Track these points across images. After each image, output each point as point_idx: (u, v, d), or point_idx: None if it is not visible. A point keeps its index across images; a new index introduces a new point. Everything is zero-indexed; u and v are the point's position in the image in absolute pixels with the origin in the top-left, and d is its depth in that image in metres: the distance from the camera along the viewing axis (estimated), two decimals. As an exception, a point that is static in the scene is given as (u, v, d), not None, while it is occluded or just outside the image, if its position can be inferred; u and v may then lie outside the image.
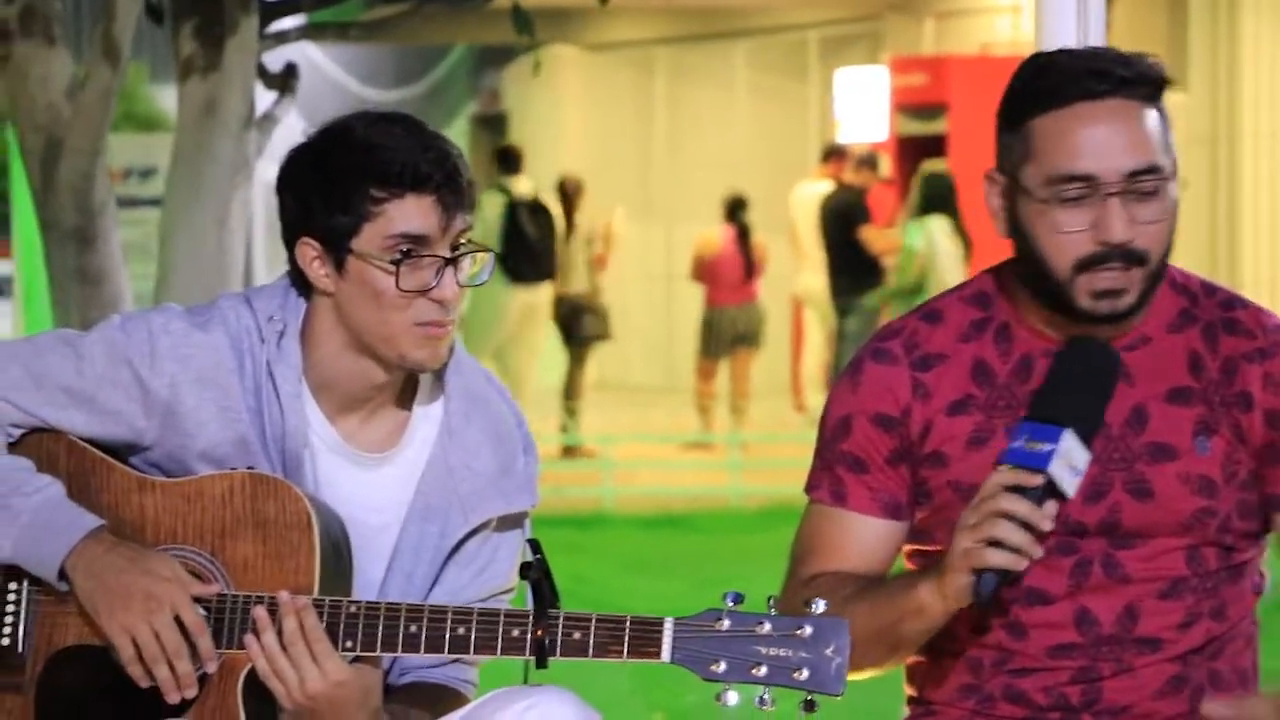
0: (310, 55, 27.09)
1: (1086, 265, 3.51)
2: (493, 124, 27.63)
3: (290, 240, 3.66)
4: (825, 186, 17.98)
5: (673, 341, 20.72)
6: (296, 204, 3.66)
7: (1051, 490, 3.41)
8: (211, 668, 3.52)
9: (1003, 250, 3.67)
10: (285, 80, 7.87)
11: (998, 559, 3.39)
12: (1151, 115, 3.53)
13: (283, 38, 7.73)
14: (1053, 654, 3.58)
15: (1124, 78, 3.53)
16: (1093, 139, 3.52)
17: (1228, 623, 3.63)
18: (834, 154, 18.49)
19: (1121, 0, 19.69)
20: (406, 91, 28.35)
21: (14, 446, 3.65)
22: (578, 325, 18.22)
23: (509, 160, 17.72)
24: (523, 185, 17.54)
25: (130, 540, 3.58)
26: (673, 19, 24.07)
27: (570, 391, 18.34)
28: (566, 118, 25.99)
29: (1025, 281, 3.59)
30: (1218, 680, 3.60)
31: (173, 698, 3.51)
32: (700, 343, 18.60)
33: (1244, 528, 3.62)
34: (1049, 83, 3.55)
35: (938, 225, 16.14)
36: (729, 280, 18.33)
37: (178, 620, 3.51)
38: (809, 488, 3.73)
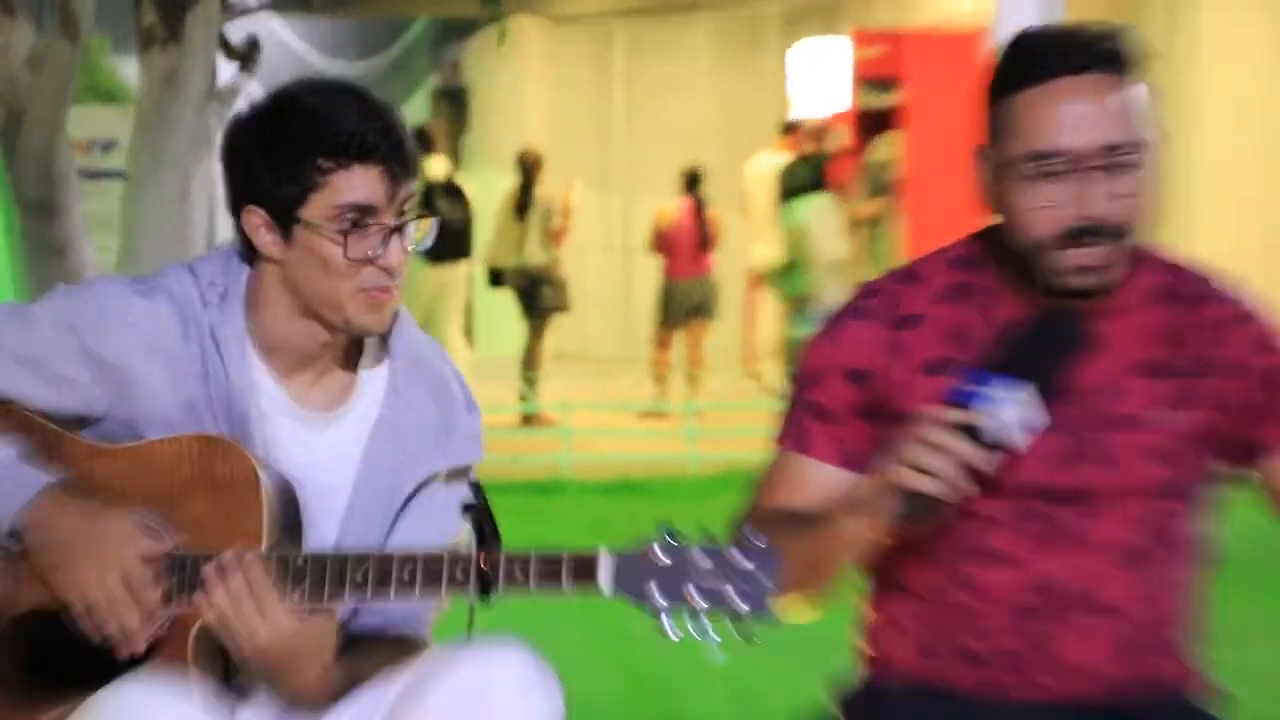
0: (273, 28, 26.99)
1: (1069, 239, 3.52)
2: (454, 96, 27.53)
3: (236, 207, 3.67)
4: (782, 159, 17.95)
5: (631, 313, 20.72)
6: (243, 172, 3.67)
7: (1002, 441, 3.43)
8: (160, 623, 3.55)
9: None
10: (247, 52, 7.91)
11: (926, 485, 3.41)
12: (1132, 89, 3.53)
13: (245, 10, 7.77)
14: (1013, 616, 3.61)
15: (1103, 53, 3.54)
16: (1073, 114, 3.52)
17: (1184, 590, 3.67)
18: (793, 129, 18.44)
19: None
20: (369, 64, 28.25)
21: None
22: (537, 297, 18.17)
23: (423, 141, 17.25)
24: (437, 167, 17.43)
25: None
26: (633, -9, 24.06)
27: (529, 361, 18.30)
28: (527, 90, 25.90)
29: (1011, 252, 3.61)
30: (1172, 645, 3.64)
31: (122, 652, 3.54)
32: (657, 314, 18.61)
33: (1205, 497, 3.66)
34: (1030, 59, 3.56)
35: (813, 203, 16.55)
36: (685, 252, 18.33)
37: (128, 578, 3.53)
38: (777, 439, 3.74)
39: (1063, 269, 3.53)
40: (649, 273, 19.37)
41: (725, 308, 18.93)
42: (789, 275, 16.91)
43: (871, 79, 19.05)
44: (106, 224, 14.47)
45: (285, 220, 3.64)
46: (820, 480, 3.67)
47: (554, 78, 25.71)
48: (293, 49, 27.79)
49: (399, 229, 3.65)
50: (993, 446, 3.42)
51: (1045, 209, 3.52)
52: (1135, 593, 3.62)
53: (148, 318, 3.67)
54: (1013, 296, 3.63)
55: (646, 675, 8.34)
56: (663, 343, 18.61)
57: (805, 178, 17.19)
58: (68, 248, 7.07)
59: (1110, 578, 3.61)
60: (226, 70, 7.78)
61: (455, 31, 26.93)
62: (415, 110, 27.84)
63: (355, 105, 3.64)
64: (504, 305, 18.90)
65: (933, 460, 3.41)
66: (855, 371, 3.67)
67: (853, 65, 19.28)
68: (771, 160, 18.18)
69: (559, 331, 19.77)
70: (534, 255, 18.12)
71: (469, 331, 24.48)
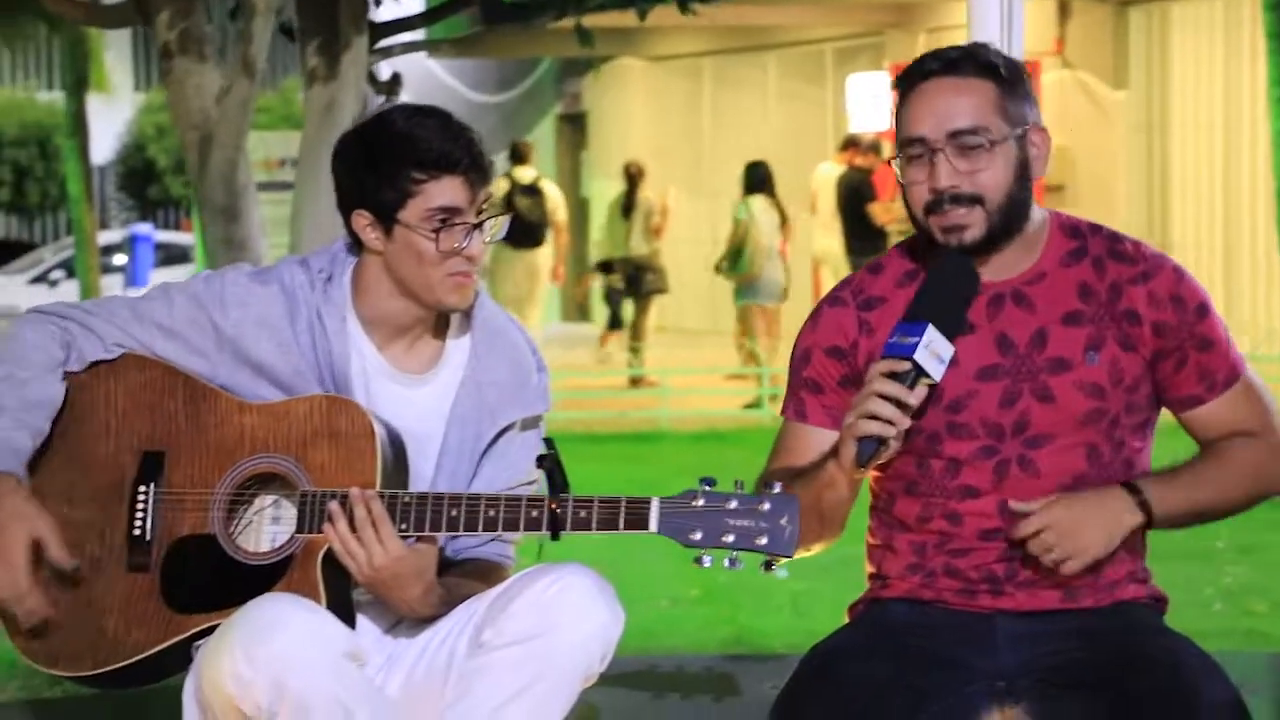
0: (429, 67, 27.08)
1: (930, 209, 3.53)
2: (574, 121, 27.55)
3: (346, 210, 3.69)
4: (841, 169, 17.90)
5: (716, 294, 20.61)
6: (351, 181, 3.68)
7: (920, 374, 3.43)
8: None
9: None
10: (391, 86, 7.89)
11: (871, 428, 3.41)
12: (982, 87, 3.53)
13: (388, 52, 7.74)
14: (982, 537, 3.58)
15: (952, 59, 3.55)
16: (925, 108, 3.52)
17: None
18: (850, 144, 18.42)
19: (1075, 18, 19.56)
20: (506, 96, 28.27)
21: (139, 379, 3.69)
22: (640, 281, 18.24)
23: (516, 154, 17.66)
24: (525, 173, 17.44)
25: (231, 452, 3.63)
26: (717, 35, 23.94)
27: (635, 334, 18.35)
28: (633, 116, 25.91)
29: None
30: (1114, 553, 3.56)
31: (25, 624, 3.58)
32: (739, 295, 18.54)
33: (1131, 423, 3.60)
34: (908, 70, 3.58)
35: (756, 202, 16.74)
36: (761, 244, 18.24)
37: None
38: (782, 410, 3.75)
39: (935, 232, 3.54)
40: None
41: (794, 289, 18.85)
42: (737, 259, 17.03)
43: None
44: (288, 226, 14.55)
45: (387, 221, 3.65)
46: (816, 442, 3.66)
47: (654, 105, 25.69)
48: (446, 84, 27.83)
49: (479, 225, 3.65)
50: (914, 382, 3.43)
51: (915, 185, 3.54)
52: None
53: (260, 300, 3.69)
54: None
55: (720, 589, 8.31)
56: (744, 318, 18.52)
57: (855, 182, 17.19)
58: (247, 244, 7.09)
59: None
60: (375, 102, 7.75)
61: (575, 68, 26.94)
62: (544, 133, 27.85)
63: (440, 126, 3.65)
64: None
65: (871, 406, 3.42)
66: (834, 349, 3.67)
67: (891, 93, 19.14)
68: (832, 169, 18.10)
69: (659, 309, 19.73)
70: (637, 248, 18.22)
71: (588, 313, 24.55)
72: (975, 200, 3.52)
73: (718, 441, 13.79)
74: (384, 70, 8.17)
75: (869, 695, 3.44)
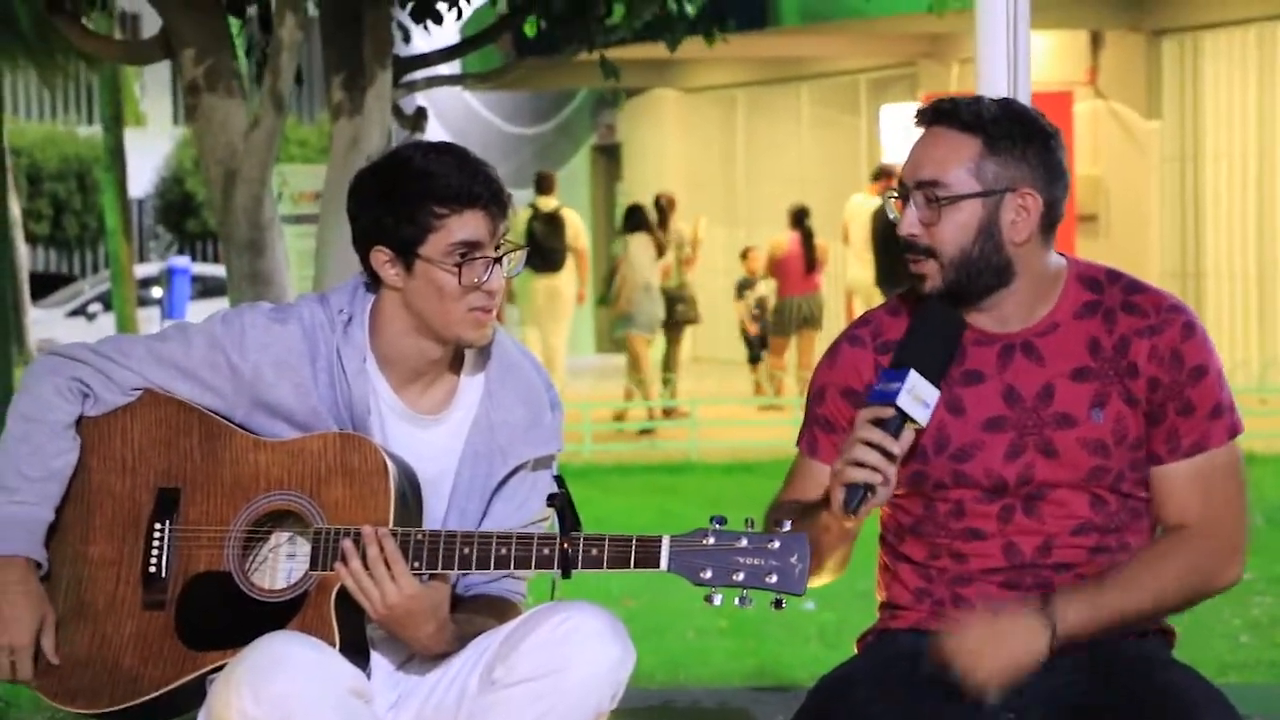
0: (466, 100, 27.18)
1: (904, 250, 3.55)
2: (609, 152, 27.61)
3: (364, 247, 3.69)
4: (874, 200, 17.92)
5: (743, 321, 20.62)
6: (369, 219, 3.68)
7: (905, 419, 3.45)
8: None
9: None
10: (417, 120, 7.91)
11: (857, 475, 3.42)
12: (961, 142, 3.52)
13: (414, 85, 7.77)
14: (986, 573, 3.58)
15: (941, 111, 3.55)
16: (911, 151, 3.55)
17: (1129, 551, 3.59)
18: (882, 174, 18.45)
19: (1108, 48, 19.54)
20: (541, 128, 28.35)
21: (155, 415, 3.71)
22: (672, 312, 18.27)
23: (541, 184, 18.14)
24: (547, 203, 17.79)
25: (246, 489, 3.64)
26: (751, 67, 23.99)
27: (668, 364, 18.36)
28: (667, 146, 25.95)
29: None
30: None
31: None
32: (772, 325, 18.54)
33: (1136, 478, 3.59)
34: (918, 111, 3.59)
35: (634, 241, 17.53)
36: (795, 275, 18.27)
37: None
38: (797, 442, 3.75)
39: (912, 275, 3.56)
40: (766, 292, 19.25)
41: (829, 319, 18.86)
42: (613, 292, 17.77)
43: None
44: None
45: (407, 256, 3.65)
46: (825, 478, 3.63)
47: (688, 136, 25.73)
48: (482, 117, 27.92)
49: (499, 259, 3.66)
50: (900, 428, 3.44)
51: (899, 224, 3.55)
52: (1086, 551, 3.57)
53: (279, 340, 3.69)
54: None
55: (747, 621, 8.31)
56: (777, 349, 18.53)
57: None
58: (272, 279, 7.11)
59: (1063, 543, 3.57)
60: (400, 135, 7.78)
61: (609, 101, 27.00)
62: (580, 162, 27.90)
63: (457, 162, 3.66)
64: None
65: (856, 454, 3.43)
66: (848, 390, 3.67)
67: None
68: (865, 200, 18.13)
69: (693, 339, 19.74)
70: (670, 279, 18.24)
71: (621, 343, 24.51)
72: (930, 253, 3.53)
73: (746, 473, 13.78)
74: (415, 103, 8.20)
75: (883, 718, 3.44)
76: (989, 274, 3.53)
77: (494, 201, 3.64)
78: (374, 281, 3.72)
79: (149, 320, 24.61)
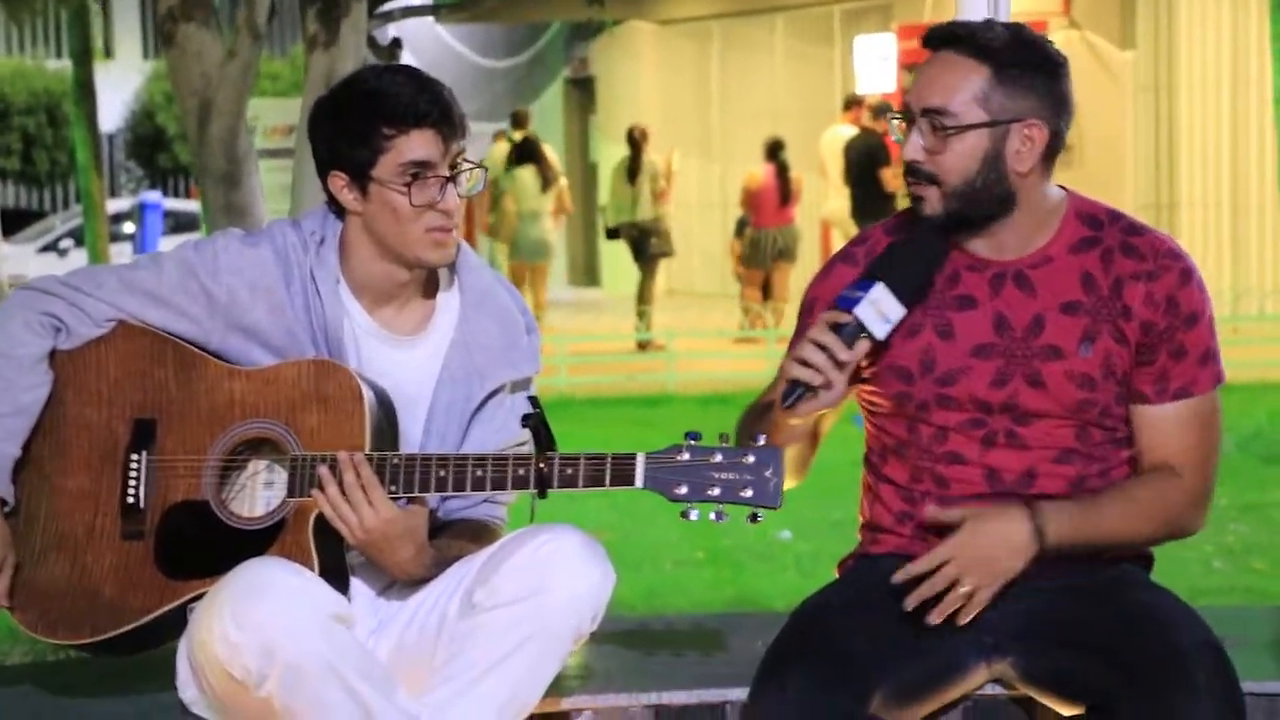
0: (438, 33, 27.04)
1: (905, 174, 3.56)
2: (583, 85, 27.51)
3: (323, 173, 3.69)
4: (848, 130, 17.89)
5: (726, 257, 20.62)
6: (325, 144, 3.68)
7: (862, 329, 3.45)
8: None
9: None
10: (392, 51, 7.90)
11: (799, 372, 3.43)
12: (970, 69, 3.50)
13: (389, 16, 7.75)
14: (968, 499, 3.58)
15: (951, 36, 3.53)
16: (919, 76, 3.54)
17: (1110, 481, 3.61)
18: (854, 103, 18.46)
19: (1083, -24, 19.52)
20: (514, 61, 28.23)
21: (130, 347, 3.70)
22: (646, 246, 18.26)
23: (516, 120, 19.25)
24: (520, 136, 18.82)
25: (222, 418, 3.64)
26: (725, -2, 23.97)
27: (642, 298, 18.34)
28: (641, 79, 25.87)
29: None
30: None
31: None
32: (747, 257, 18.54)
33: (1120, 413, 3.60)
34: (925, 34, 3.58)
35: (520, 172, 18.17)
36: (770, 207, 18.24)
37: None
38: (787, 352, 3.74)
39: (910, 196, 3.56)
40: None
41: (804, 251, 18.84)
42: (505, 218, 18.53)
43: (917, 65, 18.93)
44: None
45: (361, 179, 3.65)
46: None
47: (663, 69, 25.66)
48: (455, 49, 27.80)
49: (453, 178, 3.65)
50: (855, 336, 3.44)
51: (903, 149, 3.54)
52: (1068, 482, 3.59)
53: (253, 264, 3.69)
54: (956, 247, 3.61)
55: (724, 551, 8.33)
56: (752, 281, 18.52)
57: (867, 146, 17.19)
58: (248, 211, 7.11)
59: (1045, 471, 3.58)
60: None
61: (583, 32, 26.88)
62: (553, 96, 27.81)
63: (408, 82, 3.64)
64: (623, 254, 18.90)
65: (802, 351, 3.43)
66: None
67: (898, 55, 19.24)
68: (841, 132, 18.10)
69: (667, 272, 19.72)
70: (643, 212, 18.25)
71: (596, 277, 24.57)
72: (932, 179, 3.52)
73: (723, 405, 13.79)
74: (388, 35, 8.18)
75: (859, 644, 3.46)
76: (991, 203, 3.53)
77: (444, 120, 3.62)
78: (336, 208, 3.72)
79: (121, 256, 24.51)
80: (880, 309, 3.46)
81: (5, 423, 3.65)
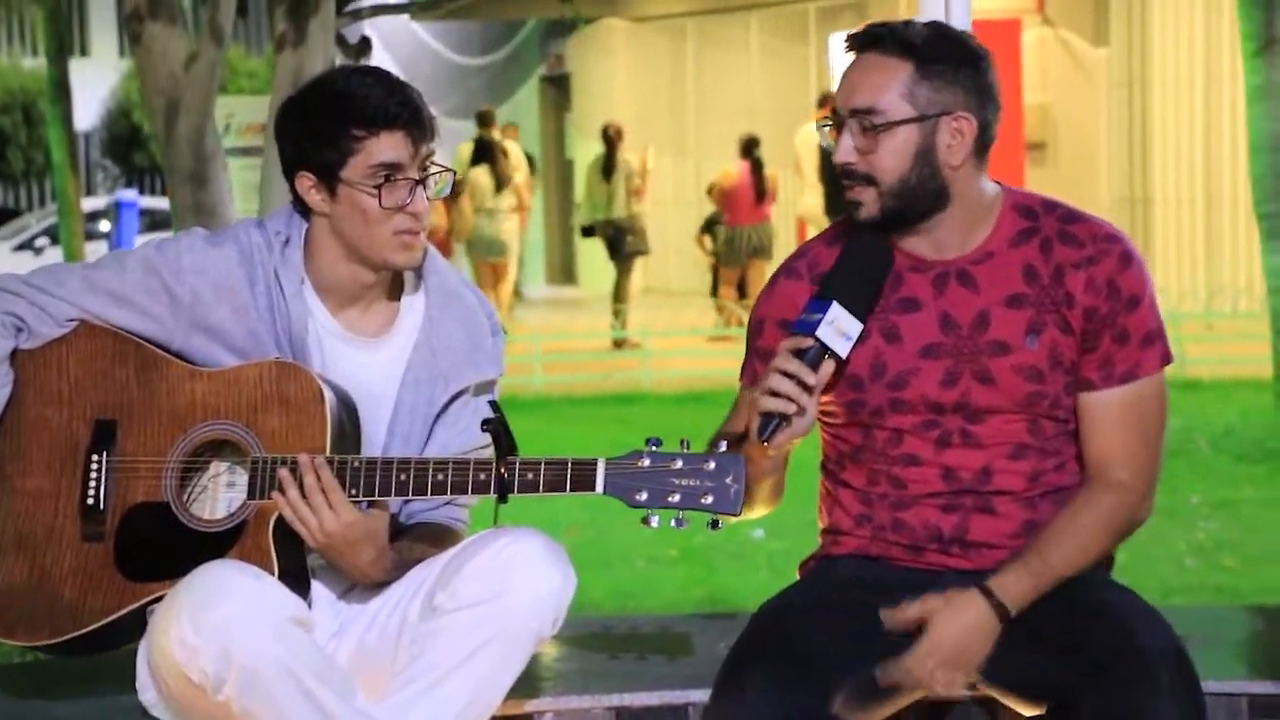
0: (413, 30, 27.01)
1: (841, 178, 3.55)
2: (558, 83, 27.52)
3: (290, 173, 3.67)
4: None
5: (701, 255, 20.65)
6: (292, 145, 3.67)
7: (826, 351, 3.44)
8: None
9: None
10: (360, 50, 7.89)
11: (771, 404, 3.42)
12: (893, 67, 3.50)
13: (358, 14, 7.74)
14: (926, 497, 3.59)
15: (871, 37, 3.53)
16: (844, 79, 3.54)
17: (1068, 474, 3.61)
18: (828, 100, 18.43)
19: (1057, -26, 19.55)
20: (489, 58, 28.22)
21: (91, 347, 3.69)
22: (622, 244, 18.25)
23: (481, 120, 19.18)
24: (491, 133, 18.90)
25: (183, 419, 3.62)
26: (700, -5, 23.99)
27: (618, 295, 18.31)
28: (616, 77, 25.89)
29: None
30: None
31: None
32: (723, 255, 18.54)
33: (1071, 403, 3.60)
34: (847, 38, 3.58)
35: (474, 173, 18.35)
36: (745, 204, 18.25)
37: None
38: (740, 375, 3.75)
39: (848, 203, 3.55)
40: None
41: (780, 248, 18.85)
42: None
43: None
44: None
45: (330, 180, 3.64)
46: None
47: (637, 66, 25.66)
48: (430, 47, 27.78)
49: (422, 181, 3.64)
50: (819, 359, 3.43)
51: (834, 153, 3.54)
52: (1024, 477, 3.59)
53: (216, 264, 3.68)
54: (899, 251, 3.61)
55: (697, 550, 8.32)
56: (727, 279, 18.51)
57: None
58: (216, 210, 7.10)
59: (1000, 468, 3.58)
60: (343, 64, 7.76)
61: (558, 30, 26.89)
62: (528, 94, 27.79)
63: (378, 84, 3.63)
64: (600, 252, 18.90)
65: (774, 382, 3.42)
66: (784, 321, 3.64)
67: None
68: (816, 129, 18.07)
69: (643, 270, 19.71)
70: (619, 210, 18.24)
71: (573, 275, 24.59)
72: (868, 180, 3.52)
73: (698, 403, 13.79)
74: (358, 33, 8.16)
75: (821, 645, 3.46)
76: (926, 198, 3.53)
77: (414, 122, 3.62)
78: (302, 208, 3.70)
79: (97, 254, 24.43)
80: (839, 327, 3.46)
81: None
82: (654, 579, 7.85)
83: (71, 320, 3.69)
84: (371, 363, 3.72)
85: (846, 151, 3.52)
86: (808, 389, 3.43)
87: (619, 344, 17.30)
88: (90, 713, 3.85)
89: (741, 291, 18.11)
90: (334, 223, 3.66)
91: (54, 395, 3.69)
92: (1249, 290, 16.15)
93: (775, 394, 3.42)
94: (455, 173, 3.77)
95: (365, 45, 7.82)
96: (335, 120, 3.60)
